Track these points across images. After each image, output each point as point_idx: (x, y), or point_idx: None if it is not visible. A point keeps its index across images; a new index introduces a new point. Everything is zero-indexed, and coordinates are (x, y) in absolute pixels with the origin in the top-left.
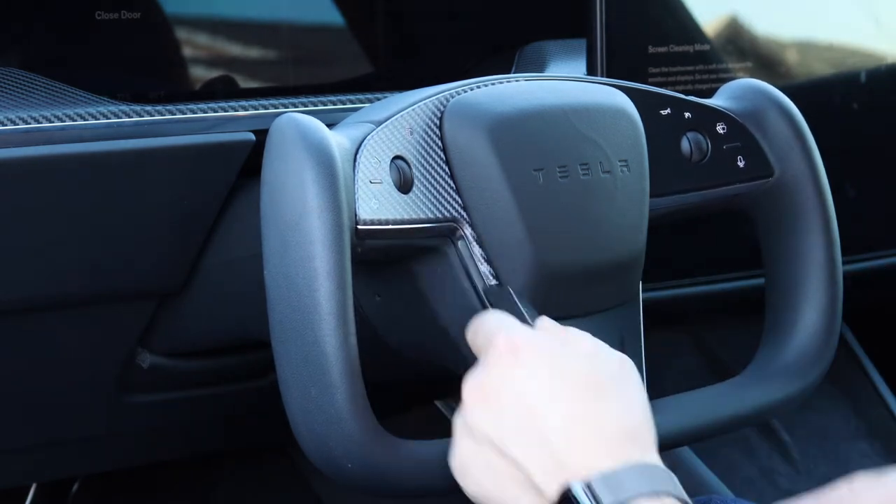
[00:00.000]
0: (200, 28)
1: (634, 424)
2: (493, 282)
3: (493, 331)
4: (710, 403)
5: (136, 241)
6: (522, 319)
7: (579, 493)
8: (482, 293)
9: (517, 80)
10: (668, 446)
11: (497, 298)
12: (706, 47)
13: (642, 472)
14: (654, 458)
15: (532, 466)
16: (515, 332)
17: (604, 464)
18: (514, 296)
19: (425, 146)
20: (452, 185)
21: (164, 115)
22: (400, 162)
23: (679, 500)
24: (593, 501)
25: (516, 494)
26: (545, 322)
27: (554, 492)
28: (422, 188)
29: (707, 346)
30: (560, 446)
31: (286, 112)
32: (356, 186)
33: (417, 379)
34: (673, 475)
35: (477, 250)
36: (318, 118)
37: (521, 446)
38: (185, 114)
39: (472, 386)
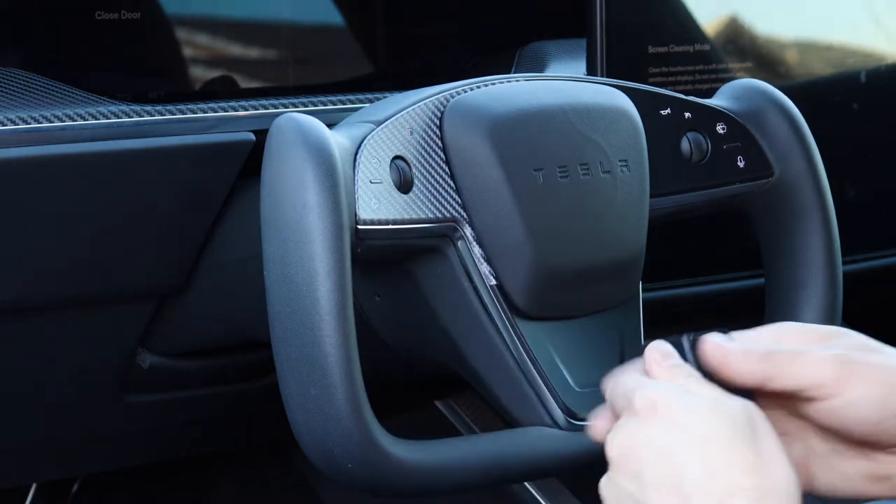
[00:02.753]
0: (200, 28)
1: (771, 474)
2: (493, 282)
3: (630, 389)
4: None
5: (136, 241)
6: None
7: None
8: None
9: (517, 80)
10: None
11: None
12: (706, 47)
13: None
14: None
15: None
16: (650, 389)
17: None
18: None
19: (425, 146)
20: (452, 185)
21: (164, 115)
22: (400, 162)
23: None
24: None
25: None
26: (656, 354)
27: None
28: (422, 188)
29: None
30: (696, 497)
31: (286, 112)
32: (356, 186)
33: (417, 379)
34: None
35: (477, 250)
36: (318, 118)
37: (659, 497)
38: (185, 114)
39: (615, 445)
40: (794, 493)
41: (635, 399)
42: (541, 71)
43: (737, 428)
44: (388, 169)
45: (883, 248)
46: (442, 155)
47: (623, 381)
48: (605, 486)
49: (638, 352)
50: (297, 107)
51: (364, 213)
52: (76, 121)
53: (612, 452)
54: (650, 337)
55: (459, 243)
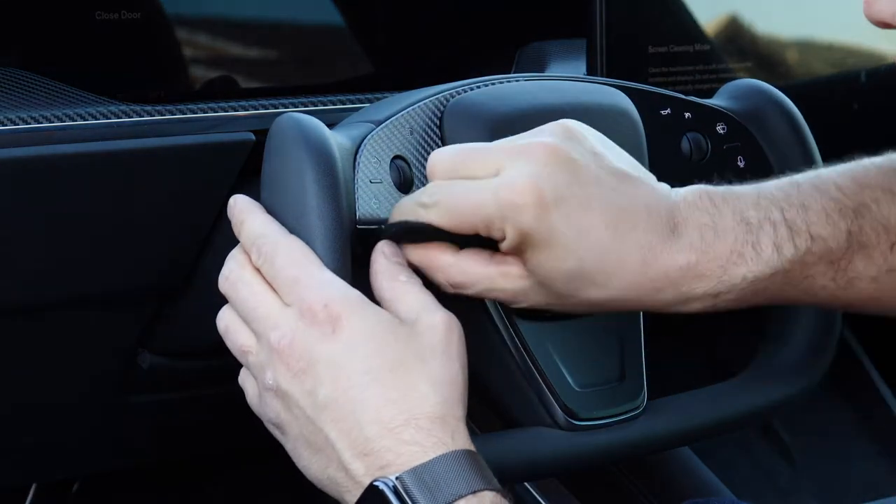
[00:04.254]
0: (200, 28)
1: (445, 399)
2: None
3: (316, 289)
4: (710, 403)
5: (136, 241)
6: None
7: (390, 492)
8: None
9: (517, 80)
10: (668, 446)
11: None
12: (706, 47)
13: (456, 464)
14: (462, 438)
15: (342, 447)
16: (337, 298)
17: (414, 456)
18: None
19: (425, 146)
20: None
21: (164, 115)
22: (400, 162)
23: (495, 492)
24: (409, 502)
25: (334, 475)
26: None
27: (363, 477)
28: (422, 188)
29: (707, 346)
30: (370, 431)
31: (286, 112)
32: (356, 186)
33: None
34: (483, 462)
35: None
36: (317, 118)
37: (333, 424)
38: (185, 114)
39: (287, 342)
40: (462, 403)
41: (315, 304)
42: (541, 71)
43: (422, 353)
44: (388, 169)
45: None
46: None
47: (310, 284)
48: (272, 386)
49: (638, 353)
50: (297, 107)
51: (364, 212)
52: (76, 121)
53: (280, 346)
54: (649, 338)
55: None
